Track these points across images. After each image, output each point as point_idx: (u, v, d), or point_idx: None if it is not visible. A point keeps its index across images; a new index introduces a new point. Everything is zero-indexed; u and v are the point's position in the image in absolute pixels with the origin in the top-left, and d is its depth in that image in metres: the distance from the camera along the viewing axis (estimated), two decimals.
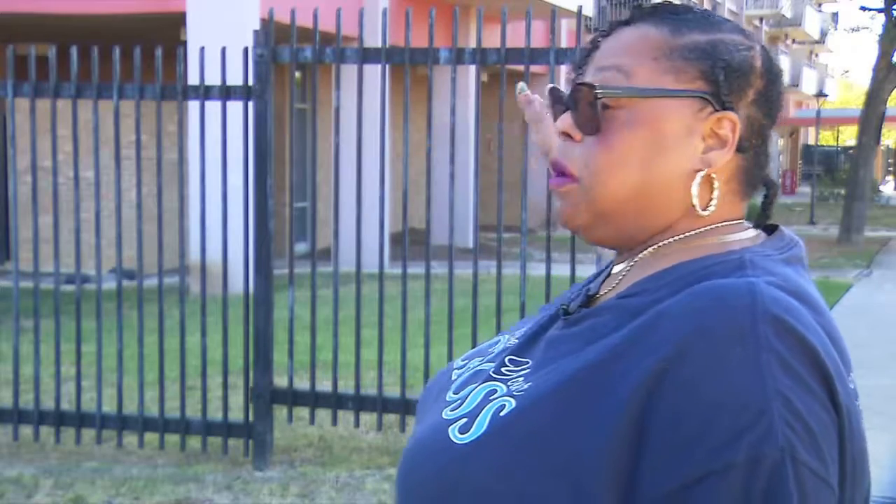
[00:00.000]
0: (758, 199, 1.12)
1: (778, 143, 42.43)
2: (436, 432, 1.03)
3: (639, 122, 1.03)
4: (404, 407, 5.31)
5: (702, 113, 1.03)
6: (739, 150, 1.03)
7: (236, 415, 5.68)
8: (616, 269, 1.10)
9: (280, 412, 5.62)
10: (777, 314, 0.91)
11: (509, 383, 1.03)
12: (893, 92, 21.16)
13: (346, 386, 5.73)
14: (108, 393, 5.87)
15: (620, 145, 1.03)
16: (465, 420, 1.01)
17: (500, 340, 1.18)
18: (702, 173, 1.03)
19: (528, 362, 1.06)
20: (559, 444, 0.94)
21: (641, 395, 0.91)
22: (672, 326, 0.93)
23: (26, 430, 5.72)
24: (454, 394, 1.08)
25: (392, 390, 5.64)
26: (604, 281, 1.12)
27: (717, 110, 1.02)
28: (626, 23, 1.09)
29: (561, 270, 5.25)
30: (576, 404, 0.95)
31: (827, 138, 49.95)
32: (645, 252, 1.06)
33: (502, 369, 1.06)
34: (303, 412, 5.74)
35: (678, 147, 1.03)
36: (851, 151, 25.71)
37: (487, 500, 0.96)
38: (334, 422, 5.51)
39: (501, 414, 0.98)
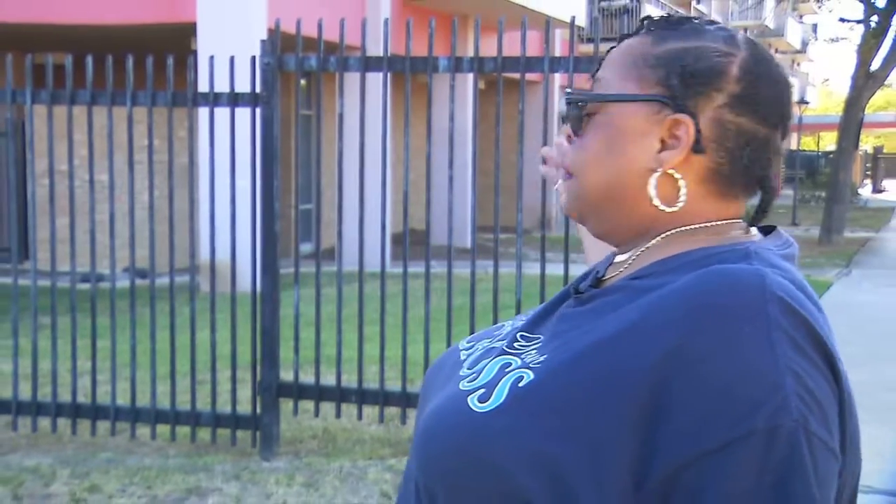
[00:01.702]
0: (754, 201, 1.13)
1: None
2: (454, 402, 1.03)
3: (606, 124, 1.08)
4: (405, 400, 5.31)
5: (659, 115, 1.05)
6: (696, 151, 1.04)
7: (244, 408, 5.68)
8: (620, 258, 1.12)
9: (286, 405, 5.62)
10: (783, 297, 0.93)
11: (523, 356, 1.04)
12: (871, 99, 21.18)
13: (349, 380, 5.73)
14: (122, 386, 5.87)
15: (592, 145, 1.09)
16: (483, 390, 1.01)
17: (504, 325, 1.19)
18: (657, 172, 1.05)
19: (539, 337, 1.07)
20: (578, 410, 0.94)
21: (660, 368, 0.92)
22: (686, 303, 0.94)
23: (44, 422, 5.71)
24: (468, 369, 1.09)
25: (393, 384, 5.64)
26: (608, 267, 1.14)
27: (673, 113, 1.05)
28: (633, 34, 1.13)
29: (555, 269, 5.25)
30: (594, 374, 0.95)
31: (808, 143, 49.96)
32: (654, 241, 1.07)
33: (514, 344, 1.08)
34: (308, 405, 5.74)
35: (635, 146, 1.06)
36: (831, 156, 25.71)
37: (507, 463, 0.95)
38: (338, 414, 5.50)
39: (520, 385, 0.99)
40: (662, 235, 1.07)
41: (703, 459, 0.89)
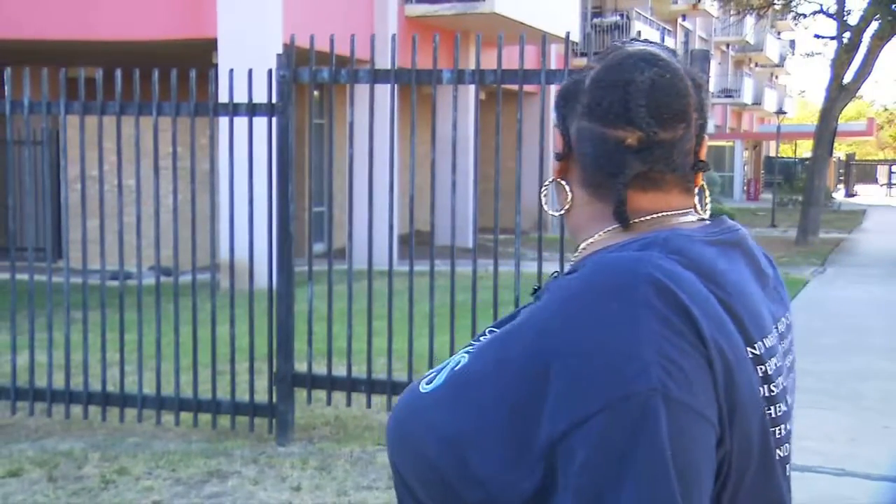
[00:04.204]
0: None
1: (743, 154, 42.36)
2: (412, 387, 1.08)
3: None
4: None
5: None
6: (557, 158, 1.09)
7: (261, 396, 5.67)
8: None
9: (300, 394, 5.61)
10: (657, 278, 0.94)
11: (475, 346, 1.08)
12: (843, 110, 21.14)
13: (359, 371, 5.72)
14: (148, 376, 5.86)
15: None
16: (432, 374, 1.06)
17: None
18: (548, 179, 1.12)
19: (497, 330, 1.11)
20: (477, 395, 0.97)
21: (538, 353, 0.94)
22: (568, 290, 0.97)
23: (76, 409, 5.71)
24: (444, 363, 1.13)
25: (400, 375, 5.63)
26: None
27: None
28: None
29: (551, 267, 5.22)
30: (493, 361, 0.98)
31: (786, 151, 49.86)
32: (591, 238, 1.09)
33: (481, 338, 1.11)
34: (320, 394, 5.73)
35: (554, 158, 1.12)
36: (807, 162, 25.66)
37: (426, 437, 0.99)
38: (349, 403, 5.49)
39: (455, 368, 1.03)
40: (602, 232, 1.08)
41: (570, 433, 0.89)
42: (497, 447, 0.94)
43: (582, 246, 1.09)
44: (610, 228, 1.07)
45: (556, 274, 1.14)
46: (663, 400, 0.88)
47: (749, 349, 0.99)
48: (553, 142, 1.12)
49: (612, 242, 1.05)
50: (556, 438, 0.90)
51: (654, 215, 1.06)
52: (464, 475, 0.95)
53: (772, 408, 1.00)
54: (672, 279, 0.94)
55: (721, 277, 0.99)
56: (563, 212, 1.10)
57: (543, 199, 1.14)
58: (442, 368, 1.06)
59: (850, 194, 45.82)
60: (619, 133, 1.03)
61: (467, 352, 1.05)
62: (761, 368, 1.00)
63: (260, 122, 5.38)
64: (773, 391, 1.01)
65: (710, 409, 0.92)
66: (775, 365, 1.02)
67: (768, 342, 1.02)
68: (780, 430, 1.02)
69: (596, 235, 1.07)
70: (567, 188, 1.09)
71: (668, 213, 1.06)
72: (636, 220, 1.06)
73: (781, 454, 1.02)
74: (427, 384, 1.04)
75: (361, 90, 5.82)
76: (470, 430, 0.95)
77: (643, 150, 1.03)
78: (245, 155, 5.35)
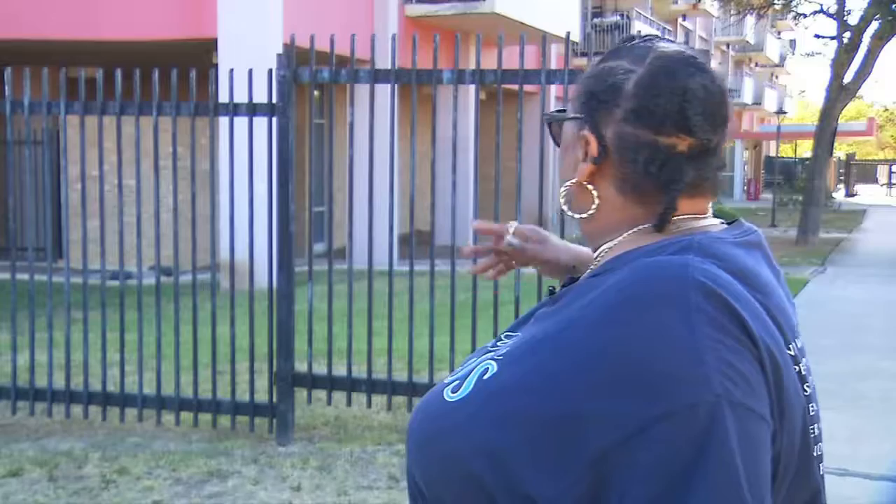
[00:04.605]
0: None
1: (743, 154, 42.36)
2: (434, 394, 1.06)
3: (562, 140, 1.13)
4: (411, 389, 5.30)
5: (580, 132, 1.08)
6: (595, 162, 1.06)
7: (261, 396, 5.67)
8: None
9: (300, 394, 5.61)
10: (704, 282, 0.94)
11: (497, 351, 1.06)
12: (844, 110, 21.13)
13: (360, 371, 5.72)
14: (149, 376, 5.86)
15: (559, 158, 1.14)
16: (457, 382, 1.03)
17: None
18: (571, 181, 1.09)
19: (517, 335, 1.09)
20: (520, 404, 0.95)
21: (589, 361, 0.93)
22: (615, 297, 0.95)
23: (77, 409, 5.71)
24: (459, 366, 1.11)
25: (400, 375, 5.63)
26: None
27: (583, 129, 1.07)
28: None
29: None
30: (535, 367, 0.97)
31: (786, 150, 49.88)
32: (615, 240, 1.08)
33: (497, 343, 1.09)
34: (321, 394, 5.73)
35: (568, 159, 1.10)
36: (807, 162, 25.66)
37: (462, 448, 0.97)
38: (349, 403, 5.49)
39: (484, 377, 1.00)
40: (625, 234, 1.07)
41: (629, 440, 0.89)
42: (543, 457, 0.92)
43: (607, 247, 1.08)
44: (636, 230, 1.06)
45: (573, 275, 1.13)
46: (728, 405, 0.89)
47: (786, 349, 1.00)
48: (571, 143, 1.09)
49: (641, 244, 1.04)
50: (611, 446, 0.90)
51: (682, 217, 1.06)
52: (508, 486, 0.94)
53: (807, 406, 1.02)
54: (718, 283, 0.94)
55: (755, 279, 1.00)
56: (584, 216, 1.08)
57: (563, 201, 1.10)
58: (465, 376, 1.03)
59: (850, 194, 45.83)
60: (673, 140, 1.03)
61: (493, 359, 1.02)
62: (796, 368, 1.01)
63: (260, 122, 5.38)
64: (807, 391, 1.02)
65: (767, 410, 0.93)
66: (806, 364, 1.04)
67: (799, 342, 1.04)
68: (814, 428, 1.03)
69: (620, 237, 1.07)
70: (594, 192, 1.07)
71: (693, 215, 1.07)
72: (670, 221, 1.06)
73: (816, 453, 1.04)
74: (452, 393, 1.02)
75: (362, 90, 5.82)
76: (515, 441, 0.94)
77: (696, 156, 1.04)
78: (245, 155, 5.35)
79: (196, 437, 5.45)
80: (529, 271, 5.67)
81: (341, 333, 6.19)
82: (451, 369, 5.27)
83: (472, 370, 1.03)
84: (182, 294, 5.74)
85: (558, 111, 1.15)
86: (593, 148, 1.05)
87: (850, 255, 17.78)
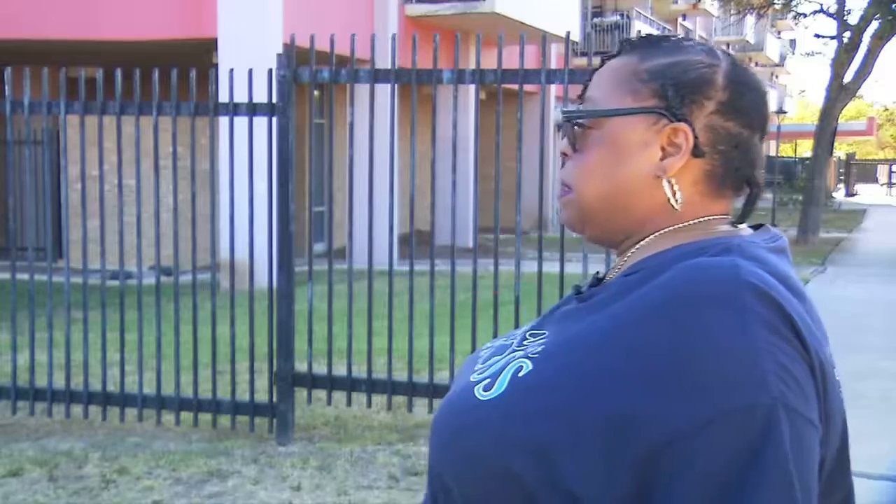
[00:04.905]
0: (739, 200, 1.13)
1: None
2: (463, 392, 1.04)
3: (604, 138, 1.06)
4: (411, 389, 5.30)
5: (657, 126, 1.04)
6: (696, 155, 1.04)
7: (261, 396, 5.67)
8: (617, 258, 1.12)
9: (300, 394, 5.61)
10: (757, 284, 0.93)
11: (527, 350, 1.04)
12: (844, 109, 21.13)
13: (360, 370, 5.72)
14: (149, 376, 5.86)
15: (590, 158, 1.07)
16: (488, 380, 1.01)
17: (517, 332, 1.19)
18: (663, 178, 1.05)
19: (544, 333, 1.07)
20: (564, 402, 0.94)
21: (640, 359, 0.92)
22: (666, 296, 0.94)
23: (77, 409, 5.71)
24: (481, 364, 1.09)
25: (400, 374, 5.62)
26: (609, 270, 1.15)
27: (670, 122, 1.04)
28: (615, 55, 1.12)
29: (551, 268, 5.23)
30: (579, 368, 0.95)
31: (786, 150, 49.86)
32: (645, 240, 1.07)
33: (523, 342, 1.08)
34: (321, 394, 5.73)
35: (637, 156, 1.05)
36: (808, 162, 25.65)
37: (501, 446, 0.96)
38: (349, 402, 5.49)
39: (520, 375, 0.99)
40: (655, 234, 1.06)
41: (681, 440, 0.88)
42: (589, 455, 0.92)
43: (637, 246, 1.07)
44: (667, 230, 1.06)
45: (598, 274, 1.12)
46: (783, 409, 0.89)
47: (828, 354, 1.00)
48: (629, 139, 1.05)
49: (675, 243, 1.04)
50: (661, 446, 0.89)
51: (706, 219, 1.06)
52: (550, 483, 0.93)
53: (844, 411, 1.03)
54: (769, 286, 0.94)
55: (794, 284, 1.00)
56: (675, 210, 1.05)
57: (669, 195, 1.05)
58: (496, 374, 1.02)
59: (850, 194, 45.81)
60: (751, 133, 1.06)
61: (526, 357, 1.02)
62: (834, 369, 1.02)
63: (260, 122, 5.38)
64: (841, 397, 1.03)
65: (816, 416, 0.93)
66: (834, 369, 1.04)
67: (829, 349, 1.04)
68: (847, 431, 1.05)
69: (651, 237, 1.06)
70: (677, 187, 1.05)
71: (722, 216, 1.07)
72: (693, 222, 1.06)
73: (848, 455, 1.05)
74: (485, 391, 1.00)
75: (362, 90, 5.82)
76: (559, 438, 0.93)
77: (760, 152, 1.07)
78: (245, 155, 5.35)
79: (196, 437, 5.45)
80: (529, 271, 5.68)
81: (341, 333, 6.19)
82: (451, 369, 5.27)
83: (503, 369, 1.02)
84: (182, 294, 5.73)
85: (577, 111, 1.10)
86: (691, 140, 1.03)
87: (851, 254, 17.79)
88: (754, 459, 0.88)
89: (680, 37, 1.10)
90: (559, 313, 1.09)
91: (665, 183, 1.04)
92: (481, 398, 1.00)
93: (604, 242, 1.12)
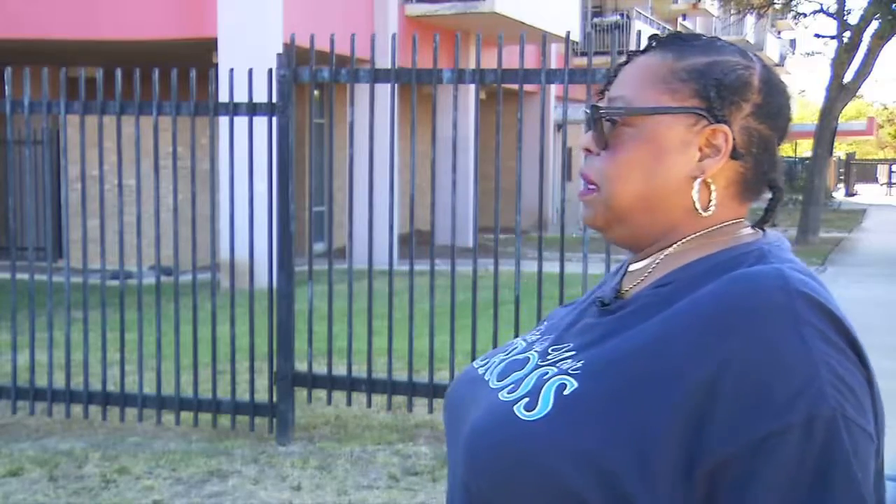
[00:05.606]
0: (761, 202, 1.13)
1: None
2: (500, 412, 1.00)
3: (640, 137, 1.04)
4: (411, 389, 5.29)
5: (696, 126, 1.03)
6: (734, 157, 1.03)
7: (262, 396, 5.67)
8: (635, 266, 1.09)
9: (300, 393, 5.61)
10: (806, 292, 0.92)
11: (558, 365, 1.02)
12: (844, 109, 21.12)
13: (360, 370, 5.72)
14: (149, 376, 5.86)
15: (625, 157, 1.04)
16: (527, 399, 0.99)
17: (515, 343, 1.16)
18: (699, 179, 1.03)
19: (567, 345, 1.05)
20: (622, 414, 0.93)
21: (698, 372, 0.91)
22: (716, 309, 0.93)
23: (77, 409, 5.71)
24: (499, 381, 1.06)
25: (400, 374, 5.62)
26: (623, 278, 1.11)
27: (710, 123, 1.02)
28: (643, 51, 1.09)
29: (551, 267, 5.23)
30: (636, 380, 0.94)
31: (786, 150, 49.86)
32: (670, 249, 1.05)
33: (547, 356, 1.05)
34: (321, 394, 5.73)
35: (675, 157, 1.03)
36: (807, 162, 25.65)
37: (561, 466, 0.94)
38: (349, 402, 5.49)
39: (565, 393, 0.97)
40: (680, 241, 1.05)
41: (746, 453, 0.88)
42: (654, 470, 0.91)
43: (664, 254, 1.05)
44: (692, 237, 1.05)
45: (616, 283, 1.10)
46: (843, 421, 0.89)
47: None
48: (667, 140, 1.03)
49: (706, 252, 1.03)
50: (725, 459, 0.89)
51: (727, 224, 1.06)
52: (614, 500, 0.92)
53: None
54: (816, 292, 0.93)
55: (821, 283, 0.99)
56: (708, 213, 1.04)
57: (696, 198, 1.04)
58: (534, 392, 0.99)
59: (850, 193, 45.81)
60: (776, 136, 1.06)
61: (564, 373, 0.99)
62: None
63: (260, 122, 5.38)
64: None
65: (873, 427, 0.93)
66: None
67: None
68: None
69: (678, 244, 1.05)
70: (713, 189, 1.04)
71: (738, 221, 1.07)
72: (717, 227, 1.05)
73: None
74: (527, 411, 0.97)
75: (362, 90, 5.82)
76: (622, 455, 0.92)
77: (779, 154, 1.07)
78: (245, 155, 5.35)
79: (196, 437, 5.45)
80: (529, 271, 5.68)
81: (341, 333, 6.19)
82: (451, 369, 5.27)
83: (540, 386, 0.99)
84: (182, 294, 5.73)
85: (613, 108, 1.06)
86: (730, 142, 1.02)
87: (851, 254, 17.78)
88: (820, 471, 0.88)
89: (709, 36, 1.09)
90: (581, 325, 1.07)
91: (698, 184, 1.03)
92: (526, 418, 0.97)
93: (628, 245, 1.10)
